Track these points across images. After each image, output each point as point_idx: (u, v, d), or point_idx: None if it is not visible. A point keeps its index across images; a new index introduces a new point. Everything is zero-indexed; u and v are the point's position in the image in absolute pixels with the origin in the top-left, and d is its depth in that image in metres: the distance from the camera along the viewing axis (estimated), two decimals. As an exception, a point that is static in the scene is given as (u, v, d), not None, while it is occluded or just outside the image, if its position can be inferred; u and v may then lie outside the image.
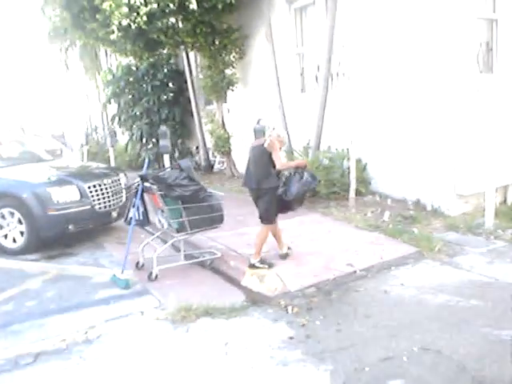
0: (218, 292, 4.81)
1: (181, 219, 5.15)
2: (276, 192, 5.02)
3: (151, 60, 13.30)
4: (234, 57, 10.97)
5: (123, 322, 4.19)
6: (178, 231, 5.23)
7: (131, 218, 5.28)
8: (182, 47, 11.11)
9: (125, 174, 7.60)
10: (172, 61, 13.81)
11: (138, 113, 13.29)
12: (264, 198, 5.06)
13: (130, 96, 13.54)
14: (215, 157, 12.56)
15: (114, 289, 4.98)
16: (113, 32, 9.25)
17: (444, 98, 6.74)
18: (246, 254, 5.51)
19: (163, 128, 8.15)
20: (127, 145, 14.19)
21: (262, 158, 5.01)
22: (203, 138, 12.59)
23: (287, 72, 9.73)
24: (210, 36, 10.24)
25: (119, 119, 13.88)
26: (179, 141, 14.01)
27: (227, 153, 11.30)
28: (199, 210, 5.21)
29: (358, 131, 7.72)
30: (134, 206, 5.26)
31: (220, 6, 9.15)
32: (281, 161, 5.03)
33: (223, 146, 11.12)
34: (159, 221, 5.38)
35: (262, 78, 10.26)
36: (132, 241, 5.25)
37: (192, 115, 12.85)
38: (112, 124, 14.61)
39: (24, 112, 31.29)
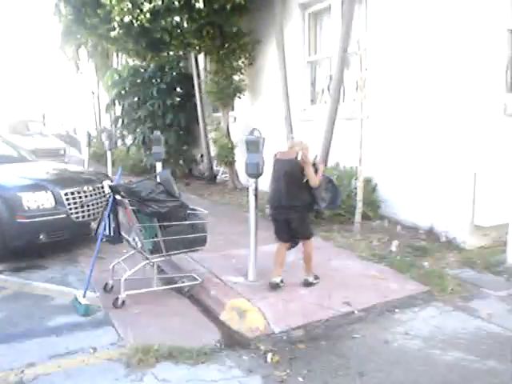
0: (191, 327, 4.13)
1: (155, 239, 4.50)
2: (309, 208, 4.76)
3: (159, 62, 12.80)
4: (243, 62, 10.36)
5: (68, 362, 3.51)
6: (151, 253, 4.56)
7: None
8: (189, 49, 10.49)
9: (111, 181, 6.97)
10: (182, 64, 13.26)
11: (141, 116, 12.72)
12: (298, 214, 4.61)
13: (136, 98, 13.00)
14: (219, 167, 11.92)
15: (73, 315, 4.32)
16: (114, 29, 8.72)
17: (465, 116, 6.02)
18: (231, 282, 4.84)
19: (157, 133, 7.54)
20: (129, 149, 13.62)
21: (295, 173, 4.50)
22: (207, 147, 11.96)
23: (297, 81, 9.08)
24: (218, 39, 9.64)
25: (122, 122, 13.33)
26: (184, 147, 13.44)
27: (230, 163, 10.65)
28: (178, 230, 4.55)
29: (369, 148, 7.03)
30: (105, 220, 4.62)
31: (229, 7, 8.54)
32: (315, 178, 4.54)
33: (226, 155, 10.47)
34: (133, 239, 4.72)
35: (272, 87, 9.60)
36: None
37: (198, 122, 12.24)
38: (115, 126, 14.08)
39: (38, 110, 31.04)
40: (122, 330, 4.00)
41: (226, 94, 10.20)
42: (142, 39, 9.18)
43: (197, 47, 10.02)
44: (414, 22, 6.66)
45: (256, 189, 4.76)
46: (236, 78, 10.30)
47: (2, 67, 32.01)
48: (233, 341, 3.88)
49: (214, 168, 12.09)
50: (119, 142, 17.04)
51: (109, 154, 11.24)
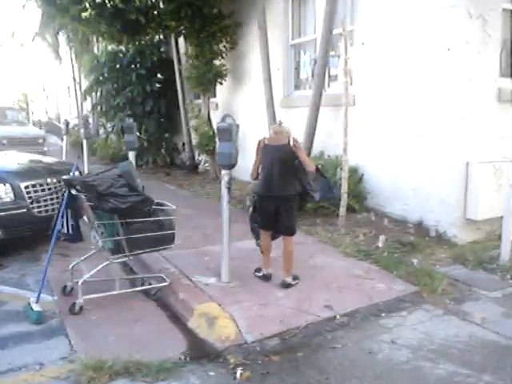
0: (154, 336, 3.71)
1: (116, 238, 4.06)
2: (302, 199, 4.57)
3: (138, 47, 12.26)
4: (224, 46, 9.87)
5: (8, 382, 3.08)
6: (112, 252, 4.13)
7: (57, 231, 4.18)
8: (167, 32, 9.96)
9: (80, 173, 6.49)
10: (163, 49, 12.71)
11: (120, 103, 12.18)
12: (290, 204, 4.35)
13: (114, 85, 12.44)
14: (201, 156, 11.45)
15: (24, 323, 3.88)
16: (86, 9, 8.17)
17: (457, 103, 5.62)
18: (202, 284, 4.42)
19: (129, 121, 7.04)
20: (107, 137, 13.09)
21: (290, 159, 4.25)
22: (189, 135, 11.49)
23: (281, 66, 8.62)
24: (198, 21, 9.12)
25: (101, 109, 12.77)
26: (166, 136, 12.97)
27: (211, 152, 10.16)
28: (142, 228, 4.11)
29: (355, 137, 6.62)
30: (62, 217, 4.16)
31: (207, -13, 8.04)
32: (311, 162, 4.44)
33: (207, 144, 10.01)
34: (94, 237, 4.27)
35: (255, 72, 9.10)
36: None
37: (179, 109, 11.74)
38: (93, 114, 13.54)
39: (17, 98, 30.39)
40: (75, 341, 3.57)
41: (207, 80, 9.70)
42: (116, 21, 8.64)
43: (175, 30, 9.50)
44: (403, 3, 6.22)
45: (230, 181, 4.32)
46: (217, 62, 9.80)
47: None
48: (200, 352, 3.47)
49: (196, 157, 11.63)
50: (101, 130, 16.47)
51: (84, 142, 10.72)
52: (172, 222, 4.30)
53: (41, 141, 15.40)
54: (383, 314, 4.02)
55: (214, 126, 10.29)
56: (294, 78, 8.69)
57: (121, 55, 12.57)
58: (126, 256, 4.16)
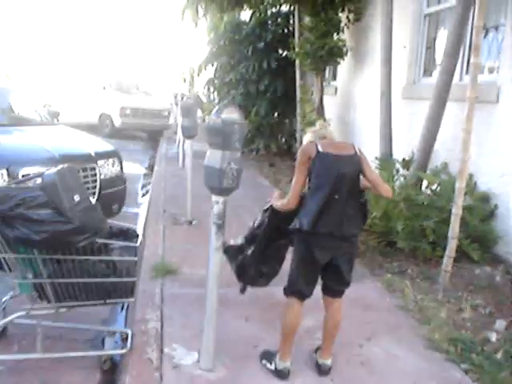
0: None
1: (34, 280, 2.65)
2: None
3: (262, 17, 10.82)
4: (347, 17, 7.95)
5: None
6: (31, 300, 2.74)
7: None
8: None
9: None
10: (291, 21, 11.08)
11: (233, 80, 10.91)
12: (355, 249, 2.86)
13: (231, 59, 11.19)
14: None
15: None
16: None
17: None
18: (171, 362, 2.84)
19: (188, 101, 5.60)
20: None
21: (358, 178, 2.73)
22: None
23: (408, 43, 6.51)
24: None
25: (213, 85, 11.64)
26: (284, 120, 11.44)
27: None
28: (80, 269, 2.67)
29: (493, 148, 4.46)
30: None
31: None
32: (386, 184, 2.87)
33: (311, 135, 8.23)
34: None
35: (378, 51, 7.08)
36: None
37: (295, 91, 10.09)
38: (208, 90, 12.50)
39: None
40: None
41: (319, 57, 7.88)
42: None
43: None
44: None
45: (223, 213, 2.65)
46: (334, 38, 7.93)
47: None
48: None
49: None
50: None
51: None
52: (132, 265, 2.77)
53: (166, 113, 14.92)
54: None
55: (327, 115, 8.55)
56: (425, 60, 6.51)
57: (244, 27, 11.27)
58: (53, 307, 2.73)
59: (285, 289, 2.78)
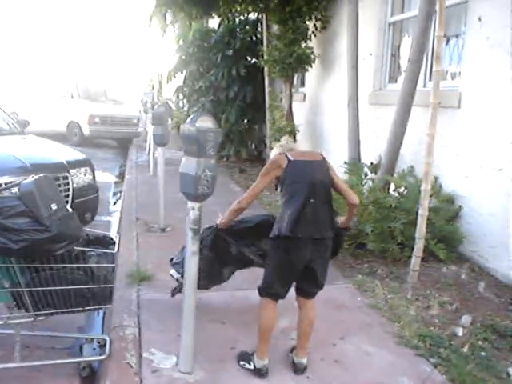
0: None
1: (12, 289, 2.67)
2: None
3: (231, 25, 10.92)
4: (314, 25, 8.14)
5: None
6: (9, 308, 2.74)
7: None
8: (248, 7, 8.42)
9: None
10: (259, 29, 11.22)
11: (203, 87, 10.97)
12: (329, 251, 2.87)
13: (200, 67, 11.26)
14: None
15: None
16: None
17: None
18: (150, 366, 2.89)
19: (159, 109, 5.64)
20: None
21: (329, 182, 2.84)
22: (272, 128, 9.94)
23: (374, 51, 6.71)
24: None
25: (183, 93, 11.68)
26: (254, 126, 11.55)
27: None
28: (57, 277, 2.69)
29: (455, 151, 4.65)
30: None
31: None
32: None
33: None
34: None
35: (345, 58, 7.24)
36: None
37: (265, 98, 10.22)
38: (177, 97, 12.53)
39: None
40: None
41: (287, 65, 8.03)
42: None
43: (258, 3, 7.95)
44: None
45: (198, 220, 2.72)
46: (301, 45, 8.08)
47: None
48: None
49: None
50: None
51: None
52: (110, 272, 2.81)
53: (135, 121, 14.84)
54: None
55: (297, 121, 8.69)
56: (391, 66, 6.73)
57: (213, 34, 11.36)
58: (30, 316, 2.75)
59: (259, 289, 2.87)
